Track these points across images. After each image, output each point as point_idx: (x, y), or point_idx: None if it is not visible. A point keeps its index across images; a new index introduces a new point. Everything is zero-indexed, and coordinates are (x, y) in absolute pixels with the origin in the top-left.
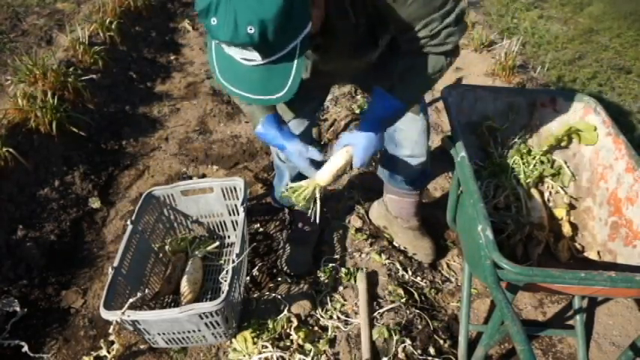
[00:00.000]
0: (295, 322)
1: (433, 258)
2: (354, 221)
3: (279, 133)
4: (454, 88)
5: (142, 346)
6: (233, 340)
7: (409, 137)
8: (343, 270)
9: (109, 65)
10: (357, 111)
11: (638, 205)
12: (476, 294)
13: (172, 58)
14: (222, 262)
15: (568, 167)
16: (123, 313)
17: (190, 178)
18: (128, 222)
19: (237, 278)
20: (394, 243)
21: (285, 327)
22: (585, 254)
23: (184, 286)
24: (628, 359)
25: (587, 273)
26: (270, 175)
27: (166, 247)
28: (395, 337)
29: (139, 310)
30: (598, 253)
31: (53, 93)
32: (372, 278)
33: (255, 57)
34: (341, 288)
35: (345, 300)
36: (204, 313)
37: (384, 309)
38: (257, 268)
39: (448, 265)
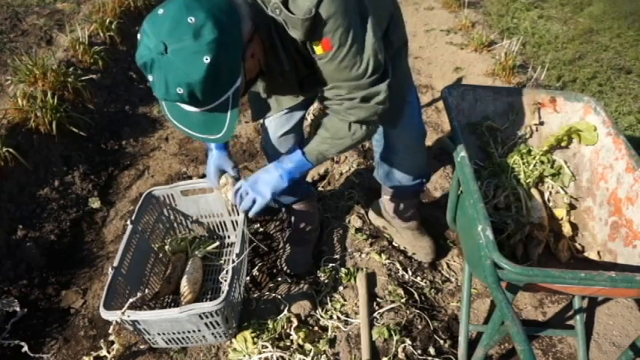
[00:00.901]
0: (295, 322)
1: (433, 258)
2: (354, 221)
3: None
4: (454, 88)
5: (142, 346)
6: (233, 340)
7: (404, 142)
8: (343, 270)
9: (109, 65)
10: None
11: (638, 205)
12: (476, 294)
13: None
14: (222, 262)
15: (568, 167)
16: (123, 313)
17: (190, 178)
18: (128, 222)
19: (237, 278)
20: (394, 243)
21: (285, 327)
22: (585, 254)
23: (184, 286)
24: (628, 359)
25: (587, 273)
26: None
27: (166, 247)
28: (395, 337)
29: (138, 310)
30: (598, 253)
31: (53, 93)
32: (372, 278)
33: (190, 107)
34: (341, 288)
35: (345, 300)
36: (204, 313)
37: (384, 309)
38: (257, 268)
39: (448, 265)
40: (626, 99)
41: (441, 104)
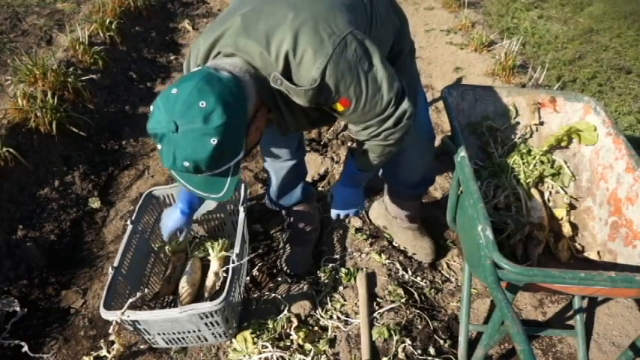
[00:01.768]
0: (295, 322)
1: (433, 258)
2: (354, 221)
3: (184, 198)
4: (454, 88)
5: (142, 346)
6: (233, 340)
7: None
8: (343, 270)
9: (109, 65)
10: None
11: (638, 205)
12: (476, 294)
13: (172, 58)
14: None
15: (568, 167)
16: (123, 313)
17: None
18: (128, 222)
19: (237, 278)
20: (394, 243)
21: (285, 327)
22: (585, 254)
23: (183, 287)
24: (628, 359)
25: (587, 273)
26: None
27: (166, 247)
28: (395, 337)
29: (138, 310)
30: (598, 253)
31: (53, 93)
32: (372, 278)
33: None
34: (341, 288)
35: (345, 300)
36: (204, 313)
37: (384, 309)
38: (257, 268)
39: (448, 265)
40: (626, 99)
41: (441, 104)
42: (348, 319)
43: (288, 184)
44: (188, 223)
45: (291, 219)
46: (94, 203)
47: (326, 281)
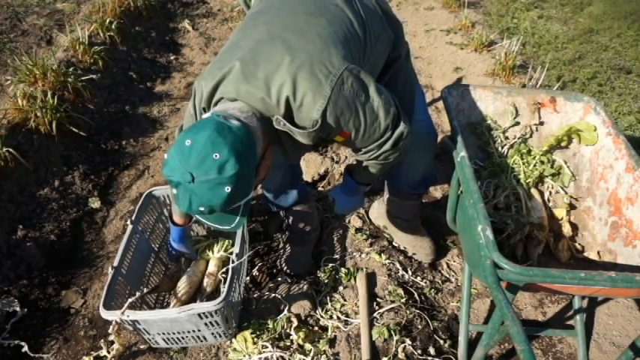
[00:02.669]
0: (295, 322)
1: (433, 258)
2: (354, 221)
3: (177, 235)
4: (454, 88)
5: (141, 346)
6: (233, 340)
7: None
8: (343, 270)
9: (109, 65)
10: None
11: (638, 205)
12: (476, 294)
13: (172, 58)
14: None
15: (568, 167)
16: (123, 313)
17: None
18: (128, 222)
19: (237, 278)
20: (394, 243)
21: (285, 327)
22: (585, 254)
23: (180, 286)
24: (628, 359)
25: (587, 273)
26: None
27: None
28: (395, 337)
29: (138, 310)
30: (598, 253)
31: (53, 93)
32: (372, 278)
33: None
34: (341, 288)
35: (345, 300)
36: (203, 313)
37: (384, 309)
38: (257, 268)
39: (448, 265)
40: (626, 99)
41: (441, 104)
42: (348, 319)
43: (284, 185)
44: (187, 245)
45: (290, 219)
46: (94, 203)
47: (326, 281)
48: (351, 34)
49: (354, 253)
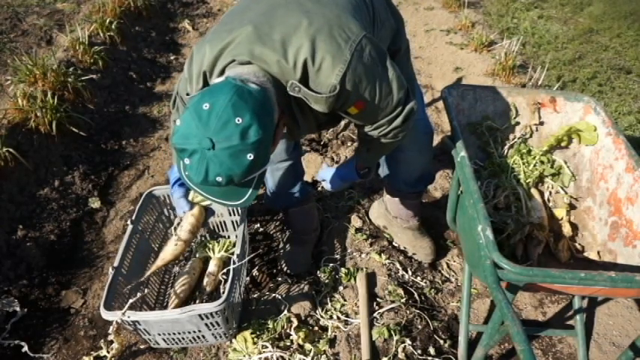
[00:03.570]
0: (295, 322)
1: (433, 258)
2: (354, 221)
3: (173, 183)
4: (454, 88)
5: (141, 346)
6: (233, 340)
7: (411, 140)
8: (343, 270)
9: (109, 65)
10: None
11: (638, 205)
12: (476, 294)
13: (172, 58)
14: None
15: (568, 167)
16: (123, 314)
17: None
18: (128, 222)
19: (237, 279)
20: (394, 243)
21: (285, 327)
22: (585, 254)
23: (177, 286)
24: (628, 359)
25: (587, 273)
26: None
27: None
28: (395, 337)
29: (139, 310)
30: (598, 253)
31: (53, 93)
32: (372, 278)
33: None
34: (341, 288)
35: (345, 300)
36: (204, 314)
37: (384, 309)
38: (257, 268)
39: (448, 265)
40: (626, 99)
41: (441, 104)
42: (348, 319)
43: (285, 184)
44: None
45: (291, 219)
46: (94, 203)
47: (326, 281)
48: (362, 9)
49: (354, 253)
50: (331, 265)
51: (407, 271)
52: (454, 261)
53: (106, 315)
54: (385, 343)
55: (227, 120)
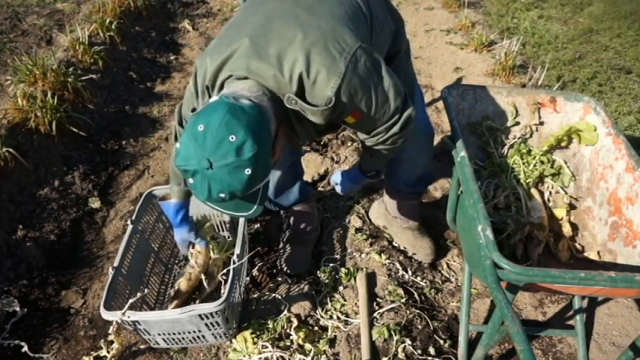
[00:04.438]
0: (295, 322)
1: (433, 258)
2: (354, 221)
3: (175, 217)
4: (454, 88)
5: (141, 346)
6: (233, 340)
7: (412, 140)
8: (343, 270)
9: (109, 65)
10: None
11: (638, 205)
12: (476, 294)
13: (172, 58)
14: None
15: (568, 167)
16: (123, 314)
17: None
18: (128, 222)
19: (237, 279)
20: (394, 243)
21: (285, 327)
22: (585, 254)
23: (176, 287)
24: (628, 359)
25: (587, 273)
26: None
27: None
28: (395, 337)
29: (139, 310)
30: (598, 253)
31: (53, 93)
32: (372, 278)
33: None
34: (341, 288)
35: (345, 300)
36: (204, 314)
37: (384, 309)
38: (257, 268)
39: (448, 265)
40: (626, 99)
41: (441, 104)
42: (348, 319)
43: (284, 184)
44: (187, 233)
45: (291, 219)
46: (94, 203)
47: (326, 281)
48: (359, 18)
49: (354, 253)
50: (331, 265)
51: (407, 271)
52: (454, 261)
53: (106, 315)
54: (385, 343)
55: (222, 139)
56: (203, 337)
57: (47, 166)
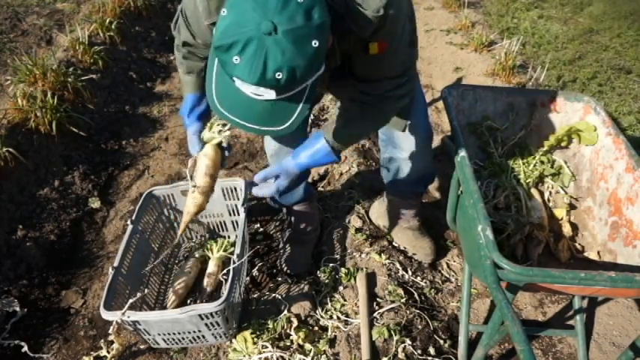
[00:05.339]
0: (295, 322)
1: (433, 258)
2: (354, 221)
3: (188, 113)
4: (454, 88)
5: (141, 346)
6: (233, 340)
7: (411, 142)
8: (343, 270)
9: (109, 65)
10: None
11: (638, 205)
12: (476, 294)
13: (172, 58)
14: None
15: (568, 167)
16: (123, 314)
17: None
18: (128, 222)
19: (237, 279)
20: (394, 243)
21: (285, 327)
22: (585, 254)
23: (174, 286)
24: (628, 359)
25: (587, 273)
26: None
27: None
28: (395, 337)
29: (138, 310)
30: (598, 253)
31: (53, 93)
32: (372, 278)
33: (269, 95)
34: (341, 288)
35: (345, 300)
36: (204, 314)
37: (384, 309)
38: (257, 268)
39: (448, 265)
40: (626, 99)
41: (441, 104)
42: (348, 319)
43: (294, 180)
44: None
45: (292, 218)
46: (94, 203)
47: (326, 281)
48: None
49: (354, 253)
50: (331, 265)
51: (407, 271)
52: (454, 261)
53: (106, 315)
54: (385, 343)
55: None
56: (203, 337)
57: (47, 166)
